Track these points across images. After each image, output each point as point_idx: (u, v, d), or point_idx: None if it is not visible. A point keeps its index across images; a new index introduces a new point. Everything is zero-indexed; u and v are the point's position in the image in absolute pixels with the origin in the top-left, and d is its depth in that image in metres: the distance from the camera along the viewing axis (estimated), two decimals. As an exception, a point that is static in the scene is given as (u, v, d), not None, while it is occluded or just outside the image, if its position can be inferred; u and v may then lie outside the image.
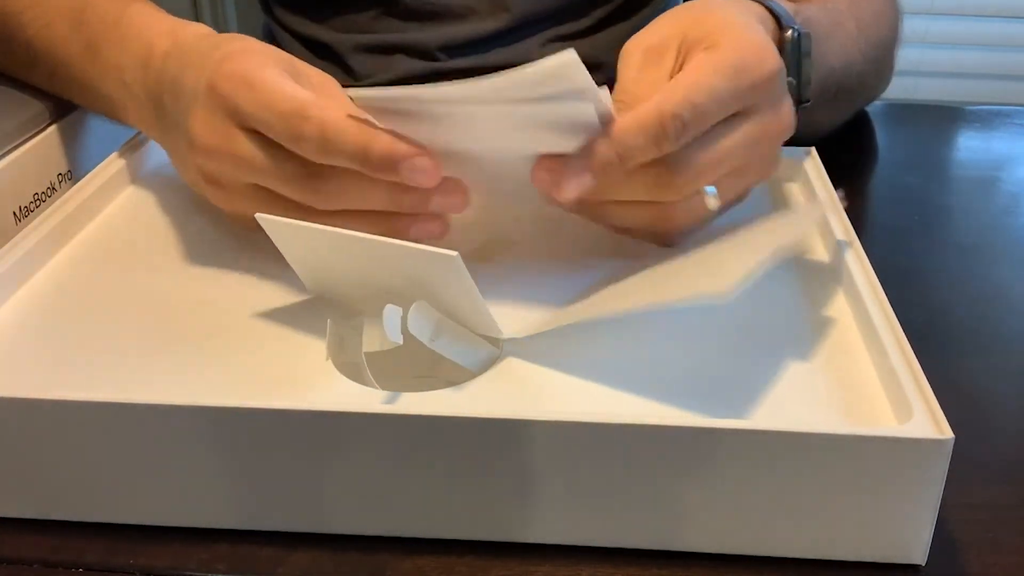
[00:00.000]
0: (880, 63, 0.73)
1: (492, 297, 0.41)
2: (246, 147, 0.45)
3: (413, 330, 0.39)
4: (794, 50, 0.57)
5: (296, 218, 0.42)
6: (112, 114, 0.58)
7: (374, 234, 0.41)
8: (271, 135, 0.44)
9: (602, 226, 0.48)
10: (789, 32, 0.57)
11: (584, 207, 0.46)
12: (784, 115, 0.47)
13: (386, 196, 0.44)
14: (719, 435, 0.35)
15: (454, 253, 0.38)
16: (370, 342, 0.40)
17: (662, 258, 0.46)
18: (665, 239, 0.48)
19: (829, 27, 0.65)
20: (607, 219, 0.47)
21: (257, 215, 0.43)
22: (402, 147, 0.43)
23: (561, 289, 0.46)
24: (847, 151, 0.73)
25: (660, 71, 0.47)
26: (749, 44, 0.45)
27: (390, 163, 0.43)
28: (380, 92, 0.42)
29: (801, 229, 0.45)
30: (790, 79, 0.55)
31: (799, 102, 0.58)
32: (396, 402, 0.38)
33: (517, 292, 0.45)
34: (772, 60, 0.45)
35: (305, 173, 0.44)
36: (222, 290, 0.46)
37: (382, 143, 0.42)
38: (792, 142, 0.49)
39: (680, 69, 0.46)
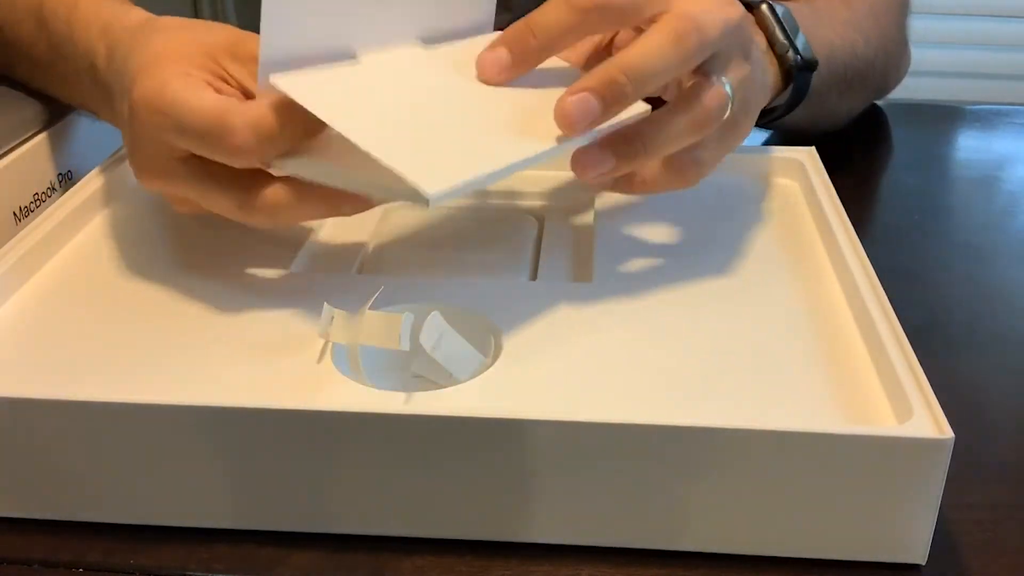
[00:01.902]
0: (888, 47, 0.72)
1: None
2: (181, 180, 0.43)
3: (423, 339, 0.38)
4: (775, 17, 0.59)
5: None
6: (93, 112, 0.57)
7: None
8: (206, 155, 0.41)
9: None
10: (763, 6, 0.59)
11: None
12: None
13: (324, 206, 0.43)
14: (719, 435, 0.35)
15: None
16: (369, 335, 0.40)
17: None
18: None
19: (817, 11, 0.66)
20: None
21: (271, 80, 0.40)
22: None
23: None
24: (847, 151, 0.73)
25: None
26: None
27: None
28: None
29: None
30: (784, 42, 0.59)
31: (807, 67, 0.60)
32: (396, 402, 0.38)
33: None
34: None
35: (243, 198, 0.42)
36: (221, 290, 0.46)
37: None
38: (812, 133, 0.47)
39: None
